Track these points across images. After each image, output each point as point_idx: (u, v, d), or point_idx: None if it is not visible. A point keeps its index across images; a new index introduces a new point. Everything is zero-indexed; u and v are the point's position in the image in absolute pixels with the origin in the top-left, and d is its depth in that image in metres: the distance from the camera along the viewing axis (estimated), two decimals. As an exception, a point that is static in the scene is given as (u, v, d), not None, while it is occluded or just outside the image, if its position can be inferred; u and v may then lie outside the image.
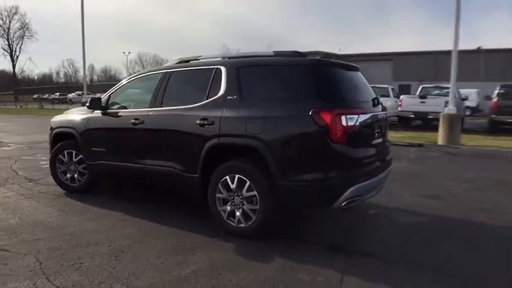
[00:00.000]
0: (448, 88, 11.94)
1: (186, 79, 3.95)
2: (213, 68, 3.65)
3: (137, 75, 4.49)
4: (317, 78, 3.14)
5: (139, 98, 4.54)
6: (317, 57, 3.32)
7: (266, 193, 3.14)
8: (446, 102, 10.90)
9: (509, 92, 13.14)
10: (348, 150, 3.02)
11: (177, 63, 4.12)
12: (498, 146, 9.35)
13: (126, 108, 4.49)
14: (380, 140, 3.57)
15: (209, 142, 3.39)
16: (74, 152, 4.77)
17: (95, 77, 74.93)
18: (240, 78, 3.42)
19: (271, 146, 3.07)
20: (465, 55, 29.34)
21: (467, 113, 19.02)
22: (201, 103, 3.57)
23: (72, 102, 35.60)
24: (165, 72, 4.05)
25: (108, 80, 64.06)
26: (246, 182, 3.21)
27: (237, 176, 3.26)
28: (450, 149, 8.94)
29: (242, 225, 3.28)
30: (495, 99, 13.14)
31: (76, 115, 4.87)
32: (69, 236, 3.34)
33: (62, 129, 4.90)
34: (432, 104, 13.44)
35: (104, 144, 4.38)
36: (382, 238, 3.44)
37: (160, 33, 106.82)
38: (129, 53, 73.57)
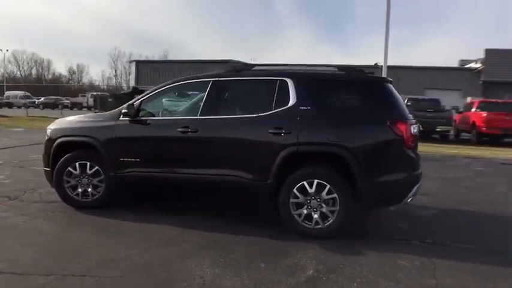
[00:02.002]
0: None
1: (244, 88, 4.11)
2: (277, 79, 3.91)
3: (174, 83, 4.39)
4: (388, 93, 3.73)
5: (180, 105, 4.47)
6: (381, 75, 3.90)
7: (346, 195, 3.56)
8: None
9: (415, 104, 15.91)
10: (414, 154, 3.68)
11: (227, 72, 4.23)
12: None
13: (154, 115, 4.39)
14: None
15: (285, 150, 3.66)
16: (88, 163, 4.38)
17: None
18: (311, 90, 3.78)
19: (355, 152, 3.52)
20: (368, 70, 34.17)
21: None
22: (269, 112, 3.81)
23: None
24: (215, 80, 4.12)
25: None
26: (326, 185, 3.59)
27: (316, 180, 3.61)
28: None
29: (319, 226, 3.63)
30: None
31: (91, 122, 4.50)
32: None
33: (72, 139, 4.46)
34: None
35: (138, 154, 4.18)
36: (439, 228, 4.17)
37: (39, 31, 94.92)
38: (7, 50, 63.86)
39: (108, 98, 21.58)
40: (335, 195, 3.57)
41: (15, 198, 4.85)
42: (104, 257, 3.08)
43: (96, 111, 21.01)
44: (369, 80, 3.86)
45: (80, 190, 4.41)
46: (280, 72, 4.01)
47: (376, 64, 36.98)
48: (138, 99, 4.32)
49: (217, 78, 4.13)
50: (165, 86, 4.37)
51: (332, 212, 3.60)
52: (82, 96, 39.97)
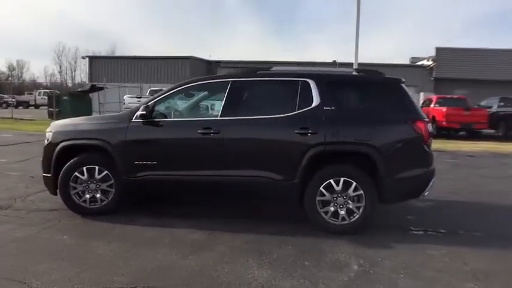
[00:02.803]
0: None
1: (265, 89, 4.16)
2: (298, 80, 4.01)
3: (188, 84, 4.32)
4: (404, 93, 3.97)
5: (196, 106, 4.40)
6: (398, 77, 4.13)
7: (371, 191, 3.76)
8: None
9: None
10: (430, 151, 3.96)
11: (244, 72, 4.25)
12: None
13: (166, 116, 4.32)
14: None
15: (312, 150, 3.77)
16: (96, 167, 4.20)
17: None
18: (333, 91, 3.93)
19: (380, 150, 3.73)
20: (324, 67, 35.25)
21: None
22: (294, 113, 3.90)
23: None
24: (233, 81, 4.12)
25: None
26: (352, 183, 3.76)
27: (342, 178, 3.77)
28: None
29: (345, 222, 3.80)
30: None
31: (99, 124, 4.33)
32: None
33: (79, 142, 4.24)
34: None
35: (154, 157, 4.08)
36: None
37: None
38: None
39: (64, 96, 20.45)
40: (361, 191, 3.75)
41: (8, 207, 4.54)
42: (148, 267, 3.00)
43: (51, 110, 19.80)
44: (386, 80, 4.09)
45: (87, 196, 4.22)
46: (302, 73, 4.11)
47: (334, 61, 38.33)
48: (152, 100, 4.21)
49: (236, 79, 4.14)
50: (179, 87, 4.29)
51: (358, 208, 3.78)
52: (29, 94, 37.31)
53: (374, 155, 3.72)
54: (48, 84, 58.08)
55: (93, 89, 21.05)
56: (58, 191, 4.24)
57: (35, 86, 50.81)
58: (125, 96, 20.26)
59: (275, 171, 3.88)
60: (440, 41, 78.93)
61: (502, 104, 16.24)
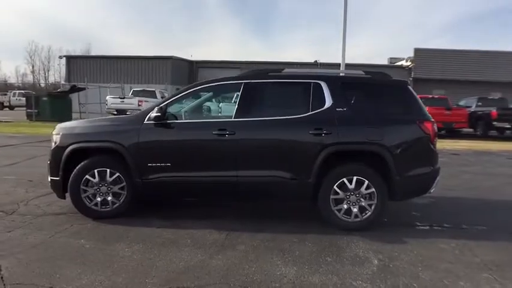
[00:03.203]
0: (149, 91, 19.70)
1: (278, 91, 4.27)
2: (310, 82, 4.15)
3: (201, 85, 4.37)
4: (410, 94, 4.17)
5: (209, 107, 4.46)
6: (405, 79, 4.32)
7: (382, 189, 3.94)
8: (140, 102, 16.95)
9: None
10: (436, 150, 4.18)
11: (256, 74, 4.34)
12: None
13: (176, 118, 4.36)
14: None
15: (327, 149, 3.92)
16: (108, 170, 4.20)
17: None
18: (345, 92, 4.08)
19: (391, 149, 3.91)
20: (306, 67, 35.64)
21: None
22: (308, 114, 4.03)
23: None
24: (246, 82, 4.21)
25: None
26: (365, 181, 3.92)
27: (355, 177, 3.93)
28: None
29: (358, 219, 3.96)
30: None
31: (110, 126, 4.33)
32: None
33: (90, 145, 4.23)
34: (129, 103, 18.52)
35: (169, 158, 4.12)
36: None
37: None
38: None
39: (43, 97, 19.91)
40: (373, 189, 3.92)
41: (13, 212, 4.46)
42: (176, 267, 3.06)
43: (30, 111, 19.23)
44: (394, 82, 4.28)
45: (98, 199, 4.21)
46: (314, 75, 4.24)
47: (315, 61, 38.64)
48: (165, 102, 4.24)
49: (249, 81, 4.23)
50: (192, 89, 4.34)
51: (370, 205, 3.95)
52: (3, 94, 35.98)
53: (385, 154, 3.90)
54: (20, 84, 56.28)
55: (74, 89, 20.57)
56: (69, 194, 4.20)
57: (6, 86, 49.10)
58: (107, 97, 19.88)
59: (290, 171, 4.00)
60: (419, 42, 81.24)
61: (480, 103, 16.99)
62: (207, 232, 3.86)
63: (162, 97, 19.74)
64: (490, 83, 27.85)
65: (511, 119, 15.13)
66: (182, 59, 33.08)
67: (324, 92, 4.09)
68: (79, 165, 4.16)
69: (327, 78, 4.16)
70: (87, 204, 4.20)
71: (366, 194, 3.94)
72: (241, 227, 4.00)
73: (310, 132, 3.95)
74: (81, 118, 14.67)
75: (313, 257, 3.30)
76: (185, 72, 33.24)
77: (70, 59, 34.02)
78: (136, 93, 19.48)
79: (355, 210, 3.95)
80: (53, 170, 4.30)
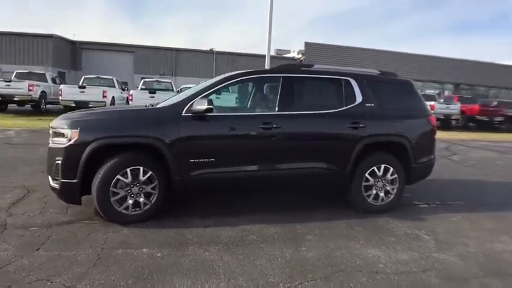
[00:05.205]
0: (107, 79, 17.08)
1: (313, 85, 4.51)
2: (341, 78, 4.55)
3: (240, 77, 4.31)
4: (416, 92, 4.94)
5: (250, 100, 4.40)
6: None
7: (402, 174, 4.63)
8: (104, 92, 14.69)
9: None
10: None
11: (291, 68, 4.50)
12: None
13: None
14: None
15: (363, 141, 4.39)
16: (141, 168, 3.86)
17: None
18: (370, 89, 4.60)
19: (411, 140, 4.61)
20: (202, 54, 35.47)
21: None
22: (343, 108, 4.43)
23: None
24: (285, 76, 4.35)
25: None
26: (390, 168, 4.55)
27: (383, 165, 4.51)
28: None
29: (383, 202, 4.58)
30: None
31: (146, 119, 3.96)
32: None
33: (124, 140, 3.81)
34: (91, 93, 15.23)
35: (213, 154, 4.00)
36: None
37: None
38: None
39: None
40: (396, 175, 4.58)
41: (3, 224, 3.70)
42: (281, 262, 3.15)
43: None
44: (403, 81, 4.99)
45: (130, 202, 3.85)
46: (344, 72, 4.64)
47: (211, 50, 38.82)
48: (205, 94, 4.07)
49: (287, 75, 4.38)
50: (231, 80, 4.27)
51: (393, 189, 4.60)
52: None
53: (407, 144, 4.59)
54: None
55: None
56: (95, 198, 3.72)
57: None
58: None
59: (331, 162, 4.34)
60: (294, 33, 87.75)
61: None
62: (264, 227, 3.93)
63: (53, 80, 17.27)
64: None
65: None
66: (64, 39, 29.23)
67: (354, 88, 4.54)
68: (109, 164, 3.72)
69: (355, 76, 4.62)
70: (117, 209, 3.79)
71: (390, 179, 4.57)
72: (281, 220, 4.16)
73: (348, 125, 4.36)
74: None
75: (377, 239, 3.76)
76: (67, 53, 29.51)
77: None
78: (20, 76, 16.49)
79: (381, 194, 4.55)
80: (66, 171, 3.74)
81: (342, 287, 2.80)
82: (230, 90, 5.11)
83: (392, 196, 4.61)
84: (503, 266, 3.29)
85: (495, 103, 20.56)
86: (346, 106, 4.46)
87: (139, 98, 15.28)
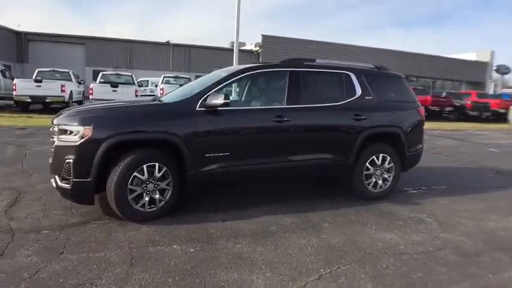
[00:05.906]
0: (63, 72, 16.38)
1: (317, 79, 4.68)
2: (342, 72, 4.77)
3: (250, 71, 4.37)
4: (406, 85, 5.30)
5: (258, 94, 4.46)
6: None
7: (398, 163, 4.98)
8: (63, 86, 14.19)
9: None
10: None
11: (296, 63, 4.63)
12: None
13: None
14: None
15: (364, 132, 4.66)
16: (157, 164, 3.83)
17: None
18: (367, 83, 4.87)
19: (405, 130, 4.96)
20: (158, 47, 34.37)
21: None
22: (346, 101, 4.67)
23: None
24: (291, 70, 4.48)
25: None
26: (387, 157, 4.87)
27: (381, 154, 4.82)
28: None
29: (381, 189, 4.91)
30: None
31: (161, 114, 3.92)
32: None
33: (140, 136, 3.74)
34: (48, 88, 14.31)
35: (227, 148, 4.05)
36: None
37: None
38: None
39: None
40: (392, 164, 4.92)
41: (9, 230, 3.52)
42: (309, 252, 3.30)
43: None
44: (395, 75, 5.31)
45: (146, 199, 3.81)
46: (344, 66, 4.87)
47: (168, 42, 37.77)
48: (217, 87, 4.09)
49: (293, 69, 4.51)
50: (241, 74, 4.33)
51: (389, 177, 4.94)
52: None
53: (402, 135, 4.93)
54: None
55: None
56: (113, 197, 3.64)
57: None
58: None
59: (336, 152, 4.57)
60: (260, 29, 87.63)
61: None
62: (279, 218, 4.07)
63: (2, 73, 15.93)
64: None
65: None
66: (8, 29, 26.95)
67: (354, 82, 4.78)
68: (126, 161, 3.65)
69: (354, 70, 4.87)
70: (134, 206, 3.74)
71: (388, 168, 4.90)
72: (293, 210, 4.32)
73: (351, 117, 4.61)
74: None
75: (387, 224, 4.05)
76: (12, 45, 27.28)
77: None
78: None
79: (380, 182, 4.87)
80: (79, 170, 3.62)
81: (376, 268, 3.03)
82: (236, 84, 5.13)
83: (389, 183, 4.94)
84: (503, 242, 3.71)
85: (444, 94, 22.20)
86: (347, 99, 4.70)
87: (100, 92, 14.70)
